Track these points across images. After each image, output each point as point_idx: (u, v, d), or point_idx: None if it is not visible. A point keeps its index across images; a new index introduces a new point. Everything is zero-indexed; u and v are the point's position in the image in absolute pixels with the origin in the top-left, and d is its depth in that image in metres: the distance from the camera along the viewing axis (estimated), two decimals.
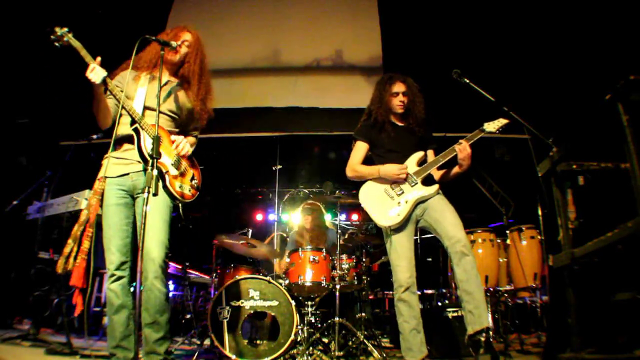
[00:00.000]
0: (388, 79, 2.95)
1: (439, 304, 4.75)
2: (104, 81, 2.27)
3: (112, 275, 2.28)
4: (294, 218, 5.61)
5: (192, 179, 2.52)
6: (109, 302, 2.29)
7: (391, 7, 6.04)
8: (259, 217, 7.20)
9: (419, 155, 2.87)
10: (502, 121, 2.82)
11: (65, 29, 2.32)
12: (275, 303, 3.43)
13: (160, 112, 2.28)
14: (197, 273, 5.67)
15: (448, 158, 2.77)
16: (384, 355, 3.38)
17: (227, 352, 3.27)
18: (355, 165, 2.95)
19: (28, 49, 5.40)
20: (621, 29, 4.44)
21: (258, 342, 3.51)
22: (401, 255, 2.72)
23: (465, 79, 2.84)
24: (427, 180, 2.82)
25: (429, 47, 5.56)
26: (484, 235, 4.33)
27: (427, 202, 2.77)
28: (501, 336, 3.68)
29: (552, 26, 5.17)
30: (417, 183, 2.78)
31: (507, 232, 4.32)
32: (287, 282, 3.65)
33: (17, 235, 4.51)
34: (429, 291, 5.58)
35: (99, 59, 2.30)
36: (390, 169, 2.78)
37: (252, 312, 3.44)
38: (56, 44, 2.31)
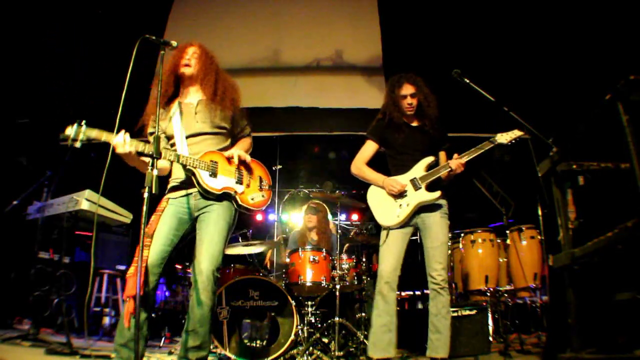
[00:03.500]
0: (397, 81, 2.95)
1: None
2: (142, 153, 2.19)
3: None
4: (293, 218, 5.62)
5: (261, 182, 2.55)
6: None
7: (391, 7, 6.04)
8: (259, 217, 7.20)
9: (428, 160, 2.88)
10: (516, 133, 2.78)
11: (76, 125, 2.11)
12: (275, 303, 3.43)
13: (204, 133, 2.41)
14: None
15: (441, 174, 2.81)
16: None
17: (227, 352, 3.27)
18: (360, 163, 2.99)
19: (28, 49, 5.40)
20: (621, 29, 4.44)
21: (258, 342, 3.51)
22: (392, 250, 2.79)
23: (466, 79, 2.84)
24: (433, 186, 2.83)
25: (429, 47, 5.56)
26: (484, 235, 4.33)
27: (428, 219, 2.81)
28: (501, 336, 3.68)
29: (552, 26, 5.17)
30: (421, 188, 2.81)
31: (507, 232, 4.32)
32: (287, 282, 3.65)
33: (17, 235, 4.51)
34: (429, 291, 5.57)
35: (122, 132, 2.17)
36: (388, 183, 2.84)
37: (252, 312, 3.44)
38: (76, 144, 2.11)
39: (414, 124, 2.98)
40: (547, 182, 2.26)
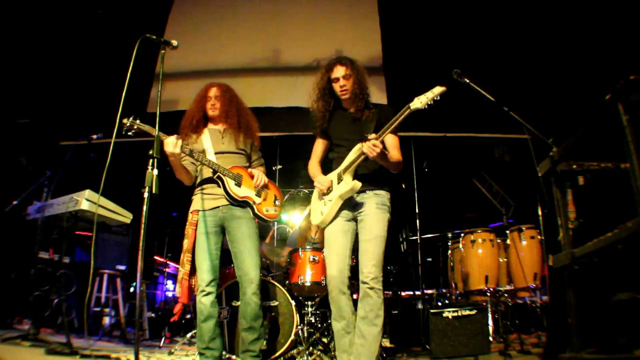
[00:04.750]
0: (327, 65, 2.71)
1: (439, 303, 4.75)
2: (189, 152, 2.70)
3: (203, 290, 2.72)
4: (293, 218, 5.61)
5: (275, 199, 3.02)
6: (199, 311, 2.73)
7: (391, 7, 6.05)
8: None
9: (357, 148, 2.54)
10: (434, 91, 2.35)
11: (132, 118, 2.60)
12: (275, 303, 3.43)
13: (228, 152, 2.91)
14: None
15: (359, 162, 2.51)
16: (384, 355, 3.37)
17: (227, 352, 3.27)
18: (311, 164, 2.88)
19: (28, 49, 5.40)
20: (621, 29, 4.44)
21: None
22: (332, 250, 2.60)
23: (466, 79, 2.84)
24: (365, 177, 2.57)
25: (429, 47, 5.56)
26: (484, 235, 4.33)
27: (364, 211, 2.57)
28: (501, 336, 3.68)
29: (552, 26, 5.18)
30: (342, 179, 2.59)
31: (507, 232, 4.32)
32: (287, 282, 3.65)
33: (17, 235, 4.51)
34: (429, 291, 5.58)
35: (175, 136, 2.62)
36: (316, 183, 2.73)
37: None
38: (129, 133, 2.60)
39: (351, 110, 2.69)
40: (547, 182, 2.26)
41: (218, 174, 2.81)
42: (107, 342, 4.17)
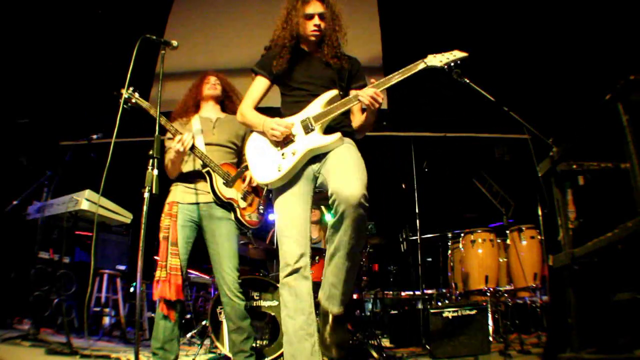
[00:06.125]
0: None
1: (439, 303, 4.75)
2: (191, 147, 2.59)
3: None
4: None
5: (259, 205, 2.87)
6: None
7: (391, 7, 6.05)
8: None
9: (330, 94, 2.17)
10: (456, 54, 2.18)
11: (131, 90, 2.53)
12: (275, 303, 3.43)
13: (217, 145, 2.73)
14: (197, 273, 5.66)
15: (342, 110, 2.11)
16: (384, 355, 3.37)
17: (227, 352, 3.27)
18: (245, 108, 2.30)
19: (28, 49, 5.40)
20: (621, 29, 4.44)
21: (258, 342, 3.51)
22: (290, 222, 2.06)
23: (466, 79, 2.83)
24: (334, 129, 2.15)
25: (429, 47, 5.54)
26: (484, 235, 4.33)
27: (328, 154, 2.07)
28: (501, 336, 3.68)
29: (552, 26, 5.18)
30: (313, 130, 2.09)
31: (507, 232, 4.32)
32: None
33: (17, 235, 4.51)
34: (429, 291, 5.58)
35: (189, 134, 2.57)
36: (268, 126, 2.12)
37: (252, 312, 3.44)
38: (125, 106, 2.50)
39: (317, 54, 2.28)
40: (547, 182, 2.26)
41: (208, 168, 2.65)
42: (107, 342, 4.17)
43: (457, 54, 2.14)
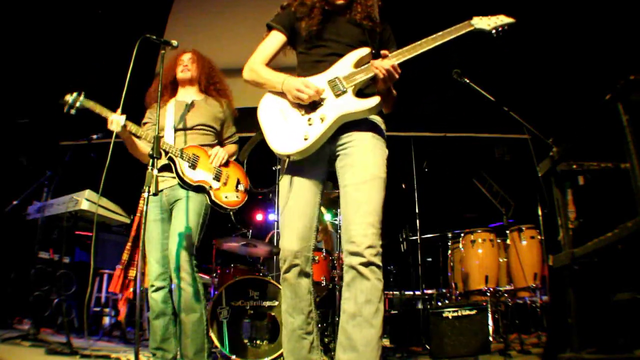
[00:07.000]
0: None
1: (439, 303, 4.75)
2: (127, 128, 2.38)
3: (152, 285, 2.47)
4: None
5: (238, 184, 2.60)
6: (150, 308, 2.50)
7: (391, 7, 6.04)
8: (259, 217, 7.19)
9: (361, 53, 1.87)
10: (502, 19, 1.96)
11: (75, 94, 2.37)
12: (275, 303, 3.43)
13: (192, 128, 2.57)
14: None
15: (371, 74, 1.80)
16: (384, 355, 3.37)
17: (227, 352, 3.27)
18: (256, 64, 1.97)
19: (28, 49, 5.40)
20: (621, 29, 4.44)
21: (258, 342, 3.51)
22: (296, 210, 1.81)
23: (466, 79, 2.84)
24: (364, 93, 1.85)
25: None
26: (484, 235, 4.33)
27: (353, 142, 1.79)
28: (501, 336, 3.68)
29: (552, 26, 5.17)
30: (345, 92, 1.79)
31: (507, 232, 4.32)
32: None
33: (17, 235, 4.52)
34: (429, 291, 5.59)
35: (118, 111, 2.35)
36: (292, 86, 1.79)
37: (252, 312, 3.44)
38: (71, 111, 2.36)
39: (346, 14, 1.97)
40: (547, 182, 2.27)
41: (170, 154, 2.44)
42: (107, 342, 4.17)
43: (504, 19, 1.92)
